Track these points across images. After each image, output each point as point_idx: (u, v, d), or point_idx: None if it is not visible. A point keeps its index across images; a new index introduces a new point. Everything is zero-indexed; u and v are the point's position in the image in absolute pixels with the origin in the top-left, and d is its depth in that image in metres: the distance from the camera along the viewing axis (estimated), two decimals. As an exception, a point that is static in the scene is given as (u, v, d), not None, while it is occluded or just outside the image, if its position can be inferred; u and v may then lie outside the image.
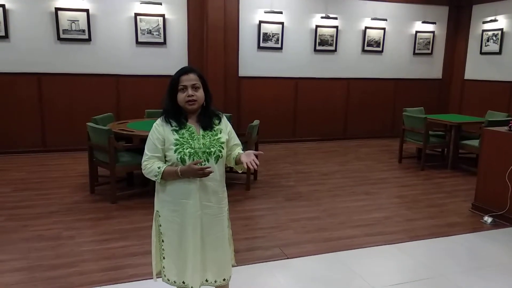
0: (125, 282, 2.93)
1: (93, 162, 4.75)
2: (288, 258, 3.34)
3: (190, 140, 2.09)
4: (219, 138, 2.16)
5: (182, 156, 2.06)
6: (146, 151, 2.15)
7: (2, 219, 3.99)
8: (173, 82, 2.11)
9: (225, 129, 2.21)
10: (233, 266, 2.37)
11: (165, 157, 2.13)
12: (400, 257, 3.48)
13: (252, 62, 7.54)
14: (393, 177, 5.86)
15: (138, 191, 4.84)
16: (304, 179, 5.60)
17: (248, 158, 2.08)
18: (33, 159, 6.31)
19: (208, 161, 2.10)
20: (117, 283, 2.92)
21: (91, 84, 6.76)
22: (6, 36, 6.24)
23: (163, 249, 2.20)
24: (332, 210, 4.48)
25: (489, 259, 3.48)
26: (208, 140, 2.12)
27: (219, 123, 2.21)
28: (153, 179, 2.11)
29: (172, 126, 2.11)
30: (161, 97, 6.60)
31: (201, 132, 2.13)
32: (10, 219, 3.99)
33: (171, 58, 7.05)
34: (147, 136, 4.94)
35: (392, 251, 3.57)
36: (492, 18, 8.04)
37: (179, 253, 2.16)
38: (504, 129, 4.35)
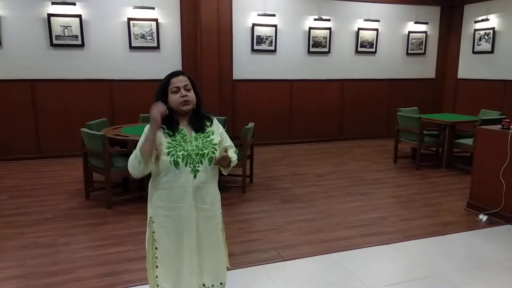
0: (121, 288, 2.93)
1: (87, 167, 4.74)
2: (284, 260, 3.34)
3: (183, 143, 2.10)
4: (212, 139, 2.16)
5: (175, 159, 2.06)
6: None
7: (-3, 227, 3.98)
8: (163, 86, 2.11)
9: (217, 130, 2.22)
10: (227, 269, 2.36)
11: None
12: (397, 257, 3.49)
13: (246, 65, 7.55)
14: (388, 177, 5.88)
15: (134, 196, 4.83)
16: (300, 181, 5.60)
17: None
18: (27, 165, 6.28)
19: (201, 163, 2.10)
20: (113, 289, 2.91)
21: (85, 90, 6.75)
22: (-2, 43, 6.23)
23: (156, 257, 2.18)
24: (328, 212, 4.48)
25: (485, 257, 3.49)
26: (200, 142, 2.13)
27: (210, 125, 2.22)
28: (137, 166, 2.03)
29: (164, 130, 2.10)
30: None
31: (193, 134, 2.14)
32: (6, 227, 3.97)
33: (165, 62, 7.05)
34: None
35: (388, 251, 3.58)
36: (484, 17, 8.10)
37: (174, 259, 2.15)
38: (497, 127, 4.38)
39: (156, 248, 2.17)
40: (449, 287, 3.00)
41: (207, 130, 2.18)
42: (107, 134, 4.53)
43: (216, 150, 2.15)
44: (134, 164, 2.05)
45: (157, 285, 2.20)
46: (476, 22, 8.29)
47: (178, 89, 2.10)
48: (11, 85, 6.40)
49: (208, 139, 2.15)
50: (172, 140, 2.09)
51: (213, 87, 6.98)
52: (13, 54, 6.33)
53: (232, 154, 2.24)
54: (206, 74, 6.96)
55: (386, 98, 8.75)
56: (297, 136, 8.11)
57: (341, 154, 7.30)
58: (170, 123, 2.12)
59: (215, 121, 2.26)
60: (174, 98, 2.10)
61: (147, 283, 2.97)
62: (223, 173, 2.28)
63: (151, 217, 2.20)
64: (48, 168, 6.17)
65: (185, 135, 2.12)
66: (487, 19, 8.04)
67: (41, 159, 6.60)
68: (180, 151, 2.07)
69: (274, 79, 7.79)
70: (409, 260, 3.43)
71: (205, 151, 2.11)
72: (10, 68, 6.35)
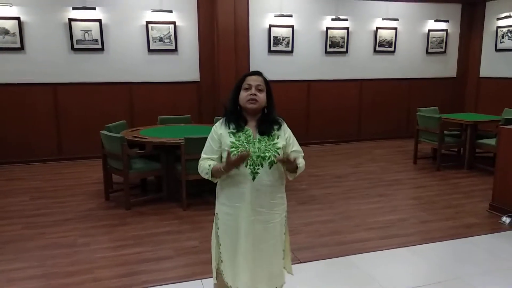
0: (138, 288, 2.95)
1: (107, 169, 4.81)
2: (301, 262, 3.32)
3: (246, 144, 2.10)
4: (276, 143, 2.13)
5: None
6: (202, 152, 2.20)
7: (19, 227, 4.06)
8: (238, 82, 2.17)
9: (283, 135, 2.19)
10: (289, 273, 2.34)
11: (221, 158, 2.15)
12: (416, 260, 3.42)
13: (263, 66, 7.53)
14: (408, 178, 5.78)
15: (152, 197, 4.88)
16: (317, 182, 5.56)
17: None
18: (49, 167, 6.42)
19: (262, 165, 2.08)
20: (130, 290, 2.94)
21: (105, 93, 6.86)
22: (21, 48, 6.38)
23: (220, 252, 2.21)
24: (346, 213, 4.43)
25: (508, 260, 3.39)
26: (263, 144, 2.11)
27: (278, 129, 2.19)
28: (206, 177, 2.15)
29: (230, 129, 2.14)
30: (173, 103, 6.68)
31: (258, 136, 2.13)
32: (27, 227, 4.06)
33: (183, 65, 7.10)
34: (159, 142, 4.94)
35: (407, 254, 3.51)
36: (507, 14, 7.89)
37: (234, 257, 2.16)
38: (521, 127, 4.26)
39: (220, 244, 2.21)
40: (470, 291, 2.93)
41: (272, 134, 2.16)
42: (126, 136, 4.59)
43: (278, 154, 2.12)
44: (203, 174, 2.16)
45: (225, 278, 2.22)
46: (498, 19, 8.09)
47: (249, 87, 2.13)
48: (34, 89, 6.56)
49: (272, 142, 2.13)
50: (236, 140, 2.10)
51: (230, 88, 6.91)
52: (35, 59, 6.49)
53: (300, 160, 2.20)
54: (223, 76, 6.97)
55: (405, 98, 8.61)
56: (315, 136, 8.05)
57: (359, 155, 7.21)
58: (237, 120, 2.15)
59: (284, 125, 2.23)
60: (243, 95, 2.14)
61: (164, 284, 3.02)
62: (288, 178, 2.23)
63: (216, 213, 2.23)
64: (69, 169, 6.30)
65: (250, 136, 2.12)
66: (510, 16, 7.83)
67: (62, 161, 6.73)
68: (241, 152, 2.07)
69: (291, 79, 7.76)
70: (428, 263, 3.36)
71: (266, 154, 2.09)
72: (33, 72, 6.50)
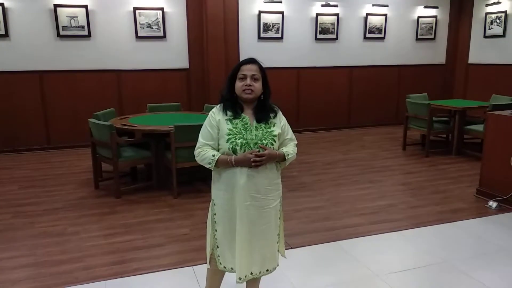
0: (129, 276, 2.95)
1: (96, 157, 4.77)
2: (291, 248, 3.34)
3: (243, 131, 2.12)
4: (272, 131, 2.17)
5: (233, 146, 2.09)
6: (200, 138, 2.18)
7: (9, 217, 4.03)
8: (234, 70, 2.15)
9: (279, 123, 2.22)
10: (282, 256, 2.42)
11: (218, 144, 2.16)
12: (404, 245, 3.47)
13: (253, 53, 7.32)
14: (397, 165, 5.84)
15: (142, 185, 4.86)
16: (308, 169, 5.59)
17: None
18: (37, 156, 6.35)
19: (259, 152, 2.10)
20: (121, 277, 2.94)
21: (93, 80, 6.77)
22: (6, 35, 6.25)
23: (216, 238, 2.23)
24: (336, 199, 4.47)
25: (494, 244, 3.46)
26: (260, 132, 2.14)
27: (274, 116, 2.22)
28: (206, 166, 2.14)
29: (227, 115, 2.14)
30: (162, 91, 6.61)
31: (255, 123, 2.15)
32: (17, 217, 4.03)
33: (171, 52, 7.02)
34: (149, 130, 4.90)
35: (396, 239, 3.56)
36: (495, 0, 7.91)
37: (230, 242, 2.19)
38: (508, 113, 4.30)
39: (216, 230, 2.23)
40: (457, 274, 2.99)
41: (269, 121, 2.19)
42: (115, 124, 4.54)
43: (275, 141, 2.16)
44: (204, 162, 2.15)
45: (220, 263, 2.26)
46: (487, 5, 8.11)
47: (244, 77, 2.13)
48: (20, 77, 6.44)
49: (269, 130, 2.16)
50: (233, 127, 2.12)
51: (220, 75, 6.93)
52: (20, 46, 6.36)
53: (289, 149, 2.22)
54: (212, 63, 6.92)
55: (395, 84, 8.65)
56: (305, 124, 8.06)
57: (349, 142, 7.25)
58: (234, 107, 2.15)
59: (279, 113, 2.27)
60: (238, 85, 2.14)
61: (155, 271, 3.03)
62: (279, 167, 2.24)
63: (213, 199, 2.24)
64: (57, 158, 6.23)
65: (247, 123, 2.14)
66: (498, 2, 7.86)
67: (51, 150, 6.66)
68: (239, 139, 2.10)
69: (281, 66, 7.72)
70: (417, 247, 3.41)
71: (264, 141, 2.12)
72: (18, 60, 6.38)
